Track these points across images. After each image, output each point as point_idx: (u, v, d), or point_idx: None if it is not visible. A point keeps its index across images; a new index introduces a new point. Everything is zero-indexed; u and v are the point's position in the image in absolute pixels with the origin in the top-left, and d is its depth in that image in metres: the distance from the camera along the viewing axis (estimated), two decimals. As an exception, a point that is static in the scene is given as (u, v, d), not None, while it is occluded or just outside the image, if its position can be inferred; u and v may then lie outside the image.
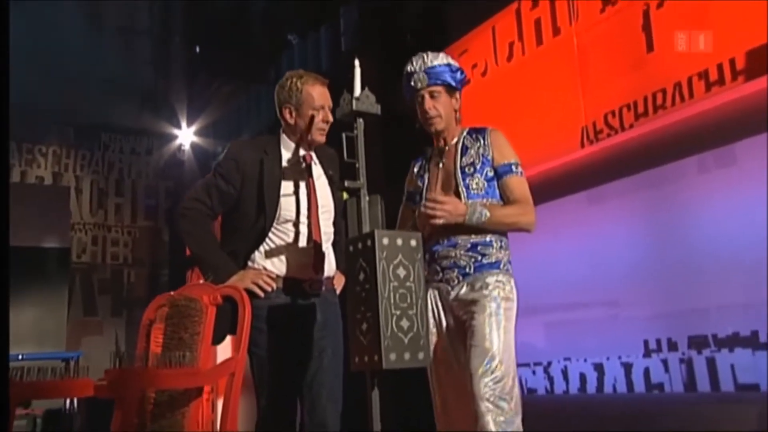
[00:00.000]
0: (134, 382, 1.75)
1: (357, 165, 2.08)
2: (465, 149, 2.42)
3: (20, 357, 5.67)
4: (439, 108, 2.41)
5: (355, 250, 1.97)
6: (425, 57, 2.42)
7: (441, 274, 2.39)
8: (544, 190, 3.69)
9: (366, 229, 2.01)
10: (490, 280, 2.31)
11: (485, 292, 2.29)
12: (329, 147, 2.56)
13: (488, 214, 2.29)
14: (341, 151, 2.12)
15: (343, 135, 2.10)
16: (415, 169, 2.57)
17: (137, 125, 10.49)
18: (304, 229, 2.43)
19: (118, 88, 10.13)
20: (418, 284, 1.95)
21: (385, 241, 1.91)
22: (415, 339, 1.90)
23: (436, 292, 2.40)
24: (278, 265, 2.43)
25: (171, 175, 10.53)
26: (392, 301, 1.89)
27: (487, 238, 2.35)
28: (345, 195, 2.52)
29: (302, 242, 2.43)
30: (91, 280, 10.13)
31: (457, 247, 2.35)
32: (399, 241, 1.94)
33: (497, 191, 2.38)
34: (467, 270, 2.34)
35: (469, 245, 2.35)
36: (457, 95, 2.46)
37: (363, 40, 6.07)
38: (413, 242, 1.97)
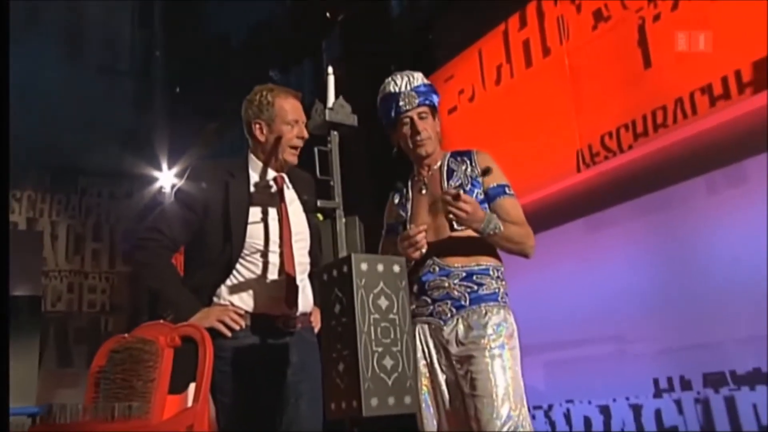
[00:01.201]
0: (63, 440, 1.47)
1: (331, 182, 1.84)
2: (451, 172, 2.24)
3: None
4: (428, 129, 2.24)
5: (330, 279, 1.71)
6: (410, 77, 2.26)
7: (431, 307, 2.15)
8: (539, 218, 3.47)
9: (342, 254, 1.77)
10: (489, 316, 2.09)
11: (484, 331, 2.07)
12: (303, 170, 2.34)
13: (501, 227, 2.09)
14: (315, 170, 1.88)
15: (316, 149, 1.87)
16: (396, 200, 2.36)
17: (117, 168, 10.27)
18: (275, 259, 2.20)
19: (97, 130, 9.95)
20: (403, 317, 1.69)
21: (364, 266, 1.66)
22: (401, 380, 1.64)
23: (426, 327, 2.17)
24: (247, 300, 2.19)
25: (151, 219, 10.27)
26: (373, 336, 1.63)
27: (484, 265, 2.14)
28: (322, 219, 2.31)
29: (274, 274, 2.19)
30: (66, 329, 9.76)
31: (450, 276, 2.13)
32: (380, 267, 1.69)
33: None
34: (462, 302, 2.11)
35: (464, 274, 2.13)
36: (439, 117, 2.31)
37: (346, 73, 5.92)
38: (396, 268, 1.71)
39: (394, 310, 1.68)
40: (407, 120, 2.22)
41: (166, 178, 9.50)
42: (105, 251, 10.18)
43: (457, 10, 4.75)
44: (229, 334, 2.13)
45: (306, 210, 2.31)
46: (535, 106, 3.91)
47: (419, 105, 2.21)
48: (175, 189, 2.31)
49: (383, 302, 1.67)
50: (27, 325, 8.54)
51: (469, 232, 2.11)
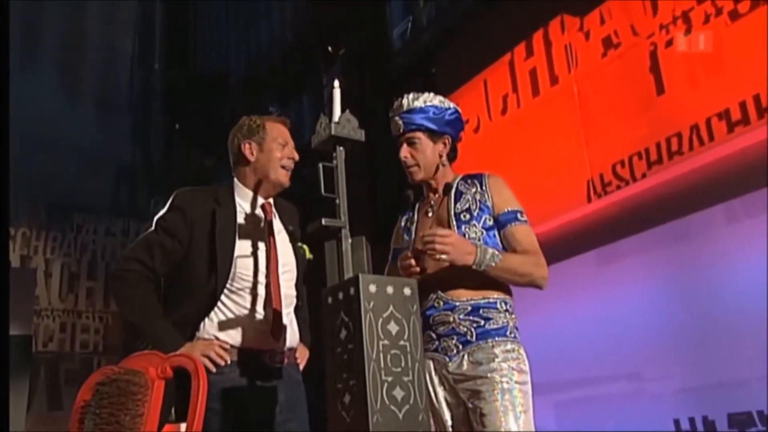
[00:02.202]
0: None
1: (337, 201, 1.73)
2: (459, 194, 2.14)
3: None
4: (416, 156, 2.15)
5: (335, 302, 1.59)
6: (404, 100, 2.19)
7: (437, 343, 2.03)
8: (549, 251, 3.33)
9: (348, 276, 1.65)
10: (498, 350, 1.97)
11: (493, 365, 1.95)
12: (287, 201, 2.34)
13: (501, 257, 1.96)
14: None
15: (320, 165, 1.77)
16: (402, 223, 2.27)
17: (113, 205, 10.20)
18: (262, 291, 2.12)
19: (94, 166, 9.91)
20: (415, 344, 1.56)
21: (372, 288, 1.54)
22: (412, 413, 1.50)
23: (431, 364, 2.04)
24: (233, 335, 2.09)
25: (147, 257, 10.10)
26: (382, 364, 1.50)
27: (491, 298, 2.02)
28: (308, 253, 2.27)
29: (260, 307, 2.12)
30: (57, 370, 9.52)
31: (455, 310, 2.02)
32: (389, 289, 1.57)
33: (498, 241, 2.06)
34: (468, 337, 1.99)
35: (469, 308, 2.01)
36: (446, 139, 2.18)
37: (348, 105, 5.87)
38: (407, 291, 1.60)
39: (405, 336, 1.56)
40: (398, 146, 2.17)
41: (163, 216, 9.40)
42: (99, 290, 9.99)
43: (460, 42, 4.73)
44: (213, 369, 2.02)
45: (293, 241, 2.25)
46: (543, 135, 3.85)
47: (405, 131, 2.14)
48: (157, 216, 2.20)
49: (393, 327, 1.55)
50: (16, 366, 8.30)
51: None
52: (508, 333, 2.00)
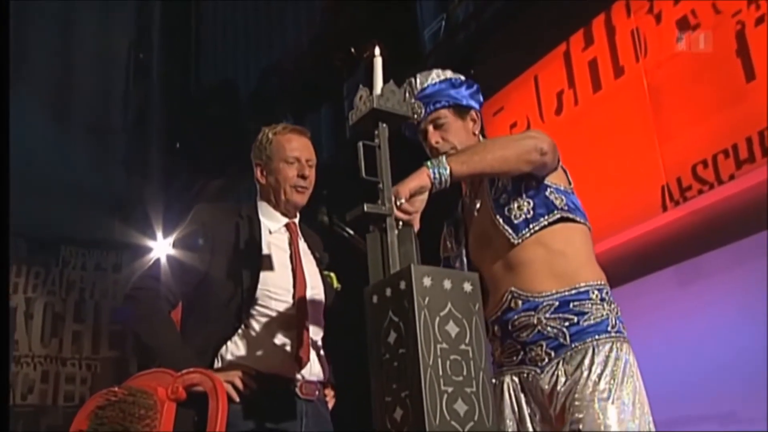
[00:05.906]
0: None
1: (380, 185, 1.68)
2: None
3: None
4: (450, 139, 2.05)
5: (382, 300, 1.53)
6: (414, 81, 2.11)
7: (522, 353, 1.91)
8: (619, 269, 3.26)
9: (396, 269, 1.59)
10: (597, 352, 1.83)
11: (590, 372, 1.80)
12: (312, 230, 2.44)
13: (447, 166, 1.74)
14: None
15: (360, 144, 1.72)
16: (448, 229, 2.19)
17: (104, 237, 10.25)
18: (290, 311, 2.19)
19: (83, 195, 9.99)
20: (478, 349, 1.49)
21: (427, 281, 1.47)
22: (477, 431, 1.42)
23: (517, 380, 1.93)
24: (258, 359, 2.14)
25: (142, 295, 10.11)
26: (441, 371, 1.43)
27: (581, 287, 1.89)
28: (336, 282, 2.38)
29: (288, 330, 2.17)
30: (38, 427, 9.49)
31: (538, 309, 1.89)
32: (447, 284, 1.50)
33: (547, 199, 1.93)
34: (560, 340, 1.86)
35: (556, 303, 1.88)
36: (474, 114, 2.10)
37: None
38: (468, 286, 1.53)
39: (467, 340, 1.49)
40: (423, 134, 2.08)
41: (161, 248, 9.39)
42: (87, 333, 10.00)
43: (503, 37, 4.72)
44: (237, 398, 2.03)
45: (319, 265, 2.35)
46: (607, 136, 3.82)
47: (430, 112, 2.05)
48: (177, 232, 2.31)
49: (452, 328, 1.48)
50: (-9, 420, 8.29)
51: (542, 241, 1.90)
52: (609, 328, 1.87)
